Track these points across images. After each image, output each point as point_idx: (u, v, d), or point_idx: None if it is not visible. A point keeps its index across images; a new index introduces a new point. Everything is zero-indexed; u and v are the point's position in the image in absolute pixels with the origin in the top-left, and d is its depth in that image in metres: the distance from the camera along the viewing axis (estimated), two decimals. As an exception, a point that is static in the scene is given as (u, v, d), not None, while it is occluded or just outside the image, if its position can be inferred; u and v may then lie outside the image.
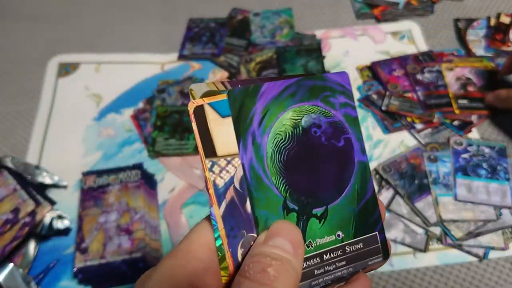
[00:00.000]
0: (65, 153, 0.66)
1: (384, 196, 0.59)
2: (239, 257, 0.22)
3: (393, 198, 0.59)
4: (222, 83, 0.22)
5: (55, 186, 0.61)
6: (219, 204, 0.22)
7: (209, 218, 0.23)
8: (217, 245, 0.22)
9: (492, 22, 0.79)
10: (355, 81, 0.73)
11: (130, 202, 0.58)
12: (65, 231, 0.57)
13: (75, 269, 0.54)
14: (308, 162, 0.23)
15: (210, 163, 0.22)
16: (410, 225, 0.57)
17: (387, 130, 0.66)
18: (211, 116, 0.21)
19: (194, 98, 0.21)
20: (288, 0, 0.86)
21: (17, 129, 0.69)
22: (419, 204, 0.57)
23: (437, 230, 0.56)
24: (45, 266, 0.55)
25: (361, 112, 0.69)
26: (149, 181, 0.62)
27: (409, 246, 0.55)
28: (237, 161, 0.22)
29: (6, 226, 0.54)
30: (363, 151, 0.25)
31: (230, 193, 0.22)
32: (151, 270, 0.22)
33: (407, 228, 0.56)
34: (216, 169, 0.22)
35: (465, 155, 0.61)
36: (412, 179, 0.60)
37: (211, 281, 0.22)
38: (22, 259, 0.54)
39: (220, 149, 0.22)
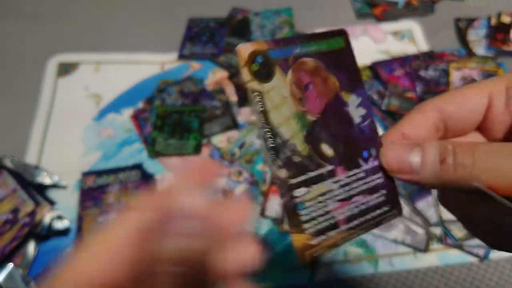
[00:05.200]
0: (65, 153, 0.66)
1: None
2: None
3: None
4: (266, 41, 0.22)
5: (54, 186, 0.61)
6: None
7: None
8: None
9: (493, 21, 0.78)
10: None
11: (130, 202, 0.58)
12: (65, 231, 0.57)
13: (74, 270, 0.54)
14: None
15: None
16: (411, 225, 0.56)
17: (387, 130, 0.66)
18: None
19: (241, 57, 0.21)
20: (288, 0, 0.86)
21: (17, 129, 0.69)
22: (420, 204, 0.57)
23: (437, 230, 0.56)
24: (44, 266, 0.55)
25: (361, 112, 0.69)
26: (149, 181, 0.62)
27: (409, 246, 0.55)
28: None
29: (6, 226, 0.54)
30: None
31: None
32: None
33: (407, 228, 0.56)
34: None
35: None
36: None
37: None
38: (22, 259, 0.54)
39: None
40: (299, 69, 0.22)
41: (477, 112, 0.23)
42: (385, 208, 0.24)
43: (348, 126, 0.24)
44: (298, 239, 0.22)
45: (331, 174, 0.23)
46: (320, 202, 0.23)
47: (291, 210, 0.22)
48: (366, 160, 0.24)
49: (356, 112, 0.24)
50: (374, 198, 0.24)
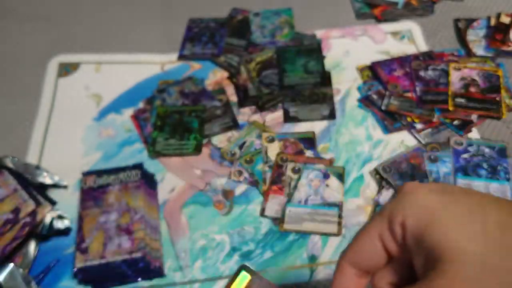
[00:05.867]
0: (65, 153, 0.66)
1: (384, 196, 0.59)
2: None
3: (393, 198, 0.59)
4: None
5: (55, 186, 0.61)
6: None
7: None
8: None
9: (492, 22, 0.79)
10: (355, 81, 0.73)
11: (130, 202, 0.58)
12: (65, 231, 0.57)
13: (75, 269, 0.54)
14: None
15: None
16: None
17: (387, 130, 0.66)
18: None
19: None
20: (288, 0, 0.86)
21: (17, 129, 0.69)
22: (419, 204, 0.57)
23: (437, 230, 0.56)
24: (45, 266, 0.55)
25: (361, 112, 0.69)
26: (149, 181, 0.62)
27: (409, 246, 0.55)
28: None
29: (6, 226, 0.54)
30: None
31: None
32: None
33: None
34: None
35: (465, 155, 0.61)
36: (412, 179, 0.60)
37: None
38: (22, 259, 0.54)
39: None
40: None
41: (379, 255, 0.24)
42: None
43: None
44: None
45: None
46: None
47: None
48: None
49: None
50: None
